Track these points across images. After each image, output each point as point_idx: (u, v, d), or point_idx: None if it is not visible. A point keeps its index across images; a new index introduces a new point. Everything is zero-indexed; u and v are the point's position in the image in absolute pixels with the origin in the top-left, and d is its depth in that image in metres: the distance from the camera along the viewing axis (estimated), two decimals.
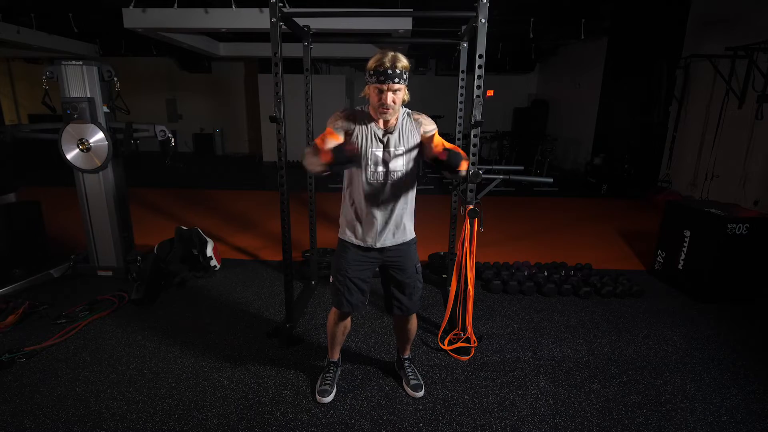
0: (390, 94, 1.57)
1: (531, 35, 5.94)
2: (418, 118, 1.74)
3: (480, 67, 2.09)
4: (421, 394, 2.03)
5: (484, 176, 2.18)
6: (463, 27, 2.81)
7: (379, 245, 1.79)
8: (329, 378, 2.05)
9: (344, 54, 8.22)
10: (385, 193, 1.72)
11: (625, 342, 2.54)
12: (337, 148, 1.47)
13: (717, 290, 3.03)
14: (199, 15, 5.21)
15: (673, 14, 6.12)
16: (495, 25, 2.62)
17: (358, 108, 1.76)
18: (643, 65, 6.51)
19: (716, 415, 1.94)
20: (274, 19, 2.12)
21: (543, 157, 7.69)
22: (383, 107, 1.59)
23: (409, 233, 1.86)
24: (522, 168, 3.41)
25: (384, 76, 1.53)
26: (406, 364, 2.13)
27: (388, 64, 1.52)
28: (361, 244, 1.80)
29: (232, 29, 5.56)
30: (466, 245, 2.17)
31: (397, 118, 1.72)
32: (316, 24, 3.11)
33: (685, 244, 3.20)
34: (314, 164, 1.52)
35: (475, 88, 2.12)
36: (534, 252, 4.03)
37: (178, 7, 5.04)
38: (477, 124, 2.12)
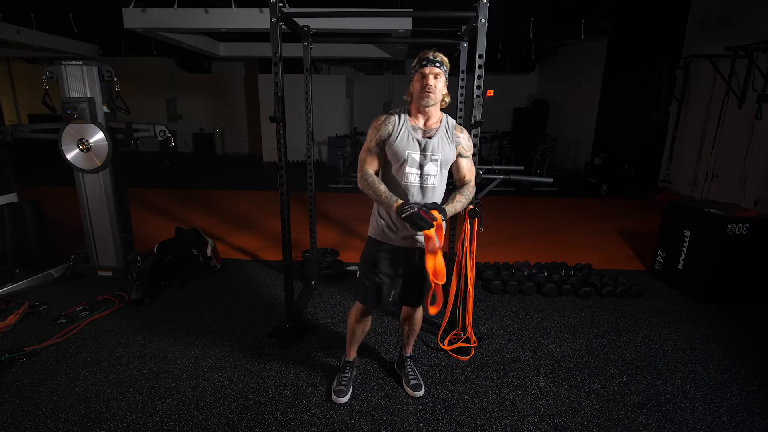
0: (432, 78, 1.67)
1: (531, 35, 5.94)
2: (459, 135, 1.78)
3: (480, 67, 2.10)
4: (421, 393, 2.03)
5: (484, 176, 2.18)
6: (463, 27, 2.81)
7: (405, 245, 1.81)
8: (345, 378, 2.05)
9: (344, 54, 8.22)
10: (416, 196, 1.74)
11: (625, 342, 2.54)
12: (413, 217, 1.60)
13: (717, 290, 3.03)
14: (199, 15, 5.21)
15: (673, 14, 6.13)
16: (495, 25, 2.62)
17: (396, 110, 1.80)
18: (643, 65, 6.51)
19: (716, 415, 1.94)
20: (274, 19, 2.12)
21: (543, 157, 7.69)
22: (425, 89, 1.67)
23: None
24: (522, 168, 3.40)
25: (426, 61, 1.68)
26: (407, 363, 2.13)
27: (430, 54, 1.69)
28: (389, 243, 1.82)
29: (232, 29, 5.56)
30: (466, 245, 2.17)
31: (439, 123, 1.76)
32: (316, 24, 3.11)
33: (685, 244, 3.20)
34: (378, 203, 1.75)
35: (475, 88, 2.12)
36: (534, 252, 4.03)
37: (178, 7, 5.04)
38: (477, 124, 2.12)
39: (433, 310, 1.81)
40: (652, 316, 2.86)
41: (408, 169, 1.72)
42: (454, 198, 1.78)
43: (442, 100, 1.75)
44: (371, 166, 1.80)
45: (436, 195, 1.78)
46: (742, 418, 1.92)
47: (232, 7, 5.08)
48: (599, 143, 7.95)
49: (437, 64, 1.67)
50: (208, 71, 10.95)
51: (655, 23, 6.28)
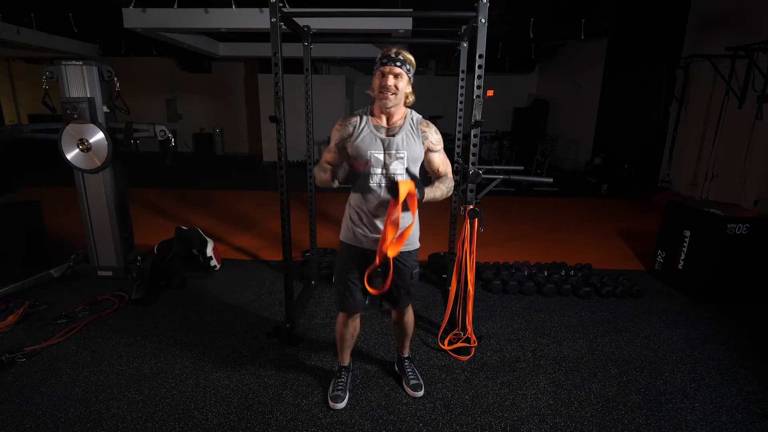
0: (391, 77, 1.62)
1: (531, 35, 5.94)
2: (425, 130, 1.74)
3: (480, 67, 2.10)
4: (421, 393, 2.03)
5: (484, 176, 2.18)
6: (463, 27, 2.81)
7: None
8: (341, 383, 2.02)
9: (344, 54, 8.22)
10: (384, 197, 1.70)
11: (625, 342, 2.54)
12: (343, 170, 1.56)
13: (717, 290, 3.03)
14: (199, 15, 5.22)
15: (673, 14, 6.13)
16: (495, 25, 2.62)
17: (360, 111, 1.77)
18: (643, 65, 6.51)
19: (716, 415, 1.94)
20: (274, 19, 2.12)
21: (543, 157, 7.69)
22: (384, 89, 1.63)
23: (411, 242, 1.82)
24: (522, 168, 3.41)
25: (387, 59, 1.62)
26: (406, 364, 2.13)
27: (392, 52, 1.63)
28: (361, 246, 1.79)
29: (232, 29, 5.56)
30: (466, 245, 2.17)
31: (403, 119, 1.73)
32: (316, 24, 3.11)
33: (685, 244, 3.20)
34: (325, 182, 1.68)
35: (475, 88, 2.12)
36: (534, 252, 4.03)
37: (178, 7, 5.04)
38: (477, 124, 2.12)
39: (373, 290, 1.73)
40: (652, 316, 2.86)
41: (373, 170, 1.69)
42: (434, 185, 1.72)
43: (406, 98, 1.70)
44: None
45: None
46: (742, 418, 1.92)
47: (232, 7, 5.08)
48: (599, 143, 7.95)
49: (398, 63, 1.61)
50: (208, 71, 10.95)
51: (655, 23, 6.28)
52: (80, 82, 2.93)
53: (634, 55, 6.80)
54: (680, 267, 3.24)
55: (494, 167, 3.13)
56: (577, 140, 9.02)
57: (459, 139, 3.01)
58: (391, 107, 1.66)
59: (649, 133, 6.63)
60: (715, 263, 2.98)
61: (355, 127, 1.72)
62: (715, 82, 5.54)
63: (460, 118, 2.96)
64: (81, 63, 2.92)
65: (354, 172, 1.60)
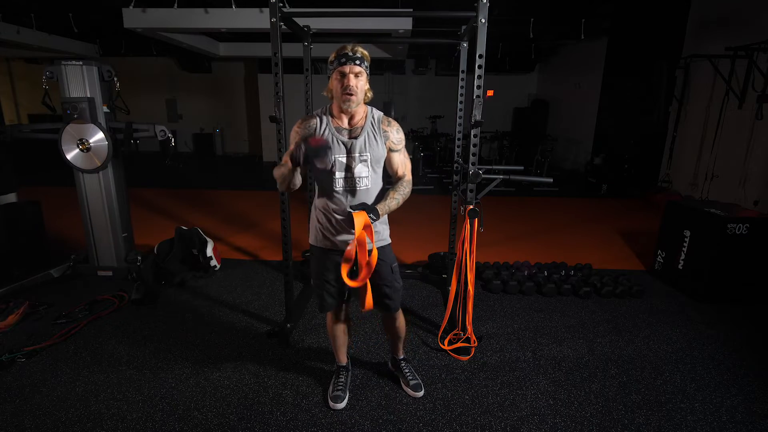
0: (352, 77, 1.58)
1: (531, 35, 5.94)
2: (387, 129, 1.70)
3: (480, 67, 2.10)
4: (421, 393, 2.03)
5: (484, 176, 2.18)
6: (463, 27, 2.81)
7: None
8: (341, 383, 2.02)
9: None
10: (352, 200, 1.68)
11: (625, 342, 2.54)
12: (306, 146, 1.49)
13: (717, 290, 3.03)
14: (199, 15, 5.22)
15: (673, 14, 6.13)
16: (495, 25, 2.62)
17: (318, 111, 1.72)
18: (643, 65, 6.51)
19: (716, 415, 1.94)
20: (274, 19, 2.12)
21: (543, 157, 7.69)
22: (347, 91, 1.58)
23: (382, 239, 1.79)
24: (522, 168, 3.39)
25: (345, 58, 1.57)
26: (403, 365, 2.13)
27: (348, 50, 1.58)
28: (335, 249, 1.77)
29: (232, 29, 5.57)
30: (466, 245, 2.17)
31: (364, 119, 1.69)
32: (316, 24, 3.11)
33: (685, 244, 3.20)
34: (285, 177, 1.59)
35: (475, 88, 2.12)
36: (534, 252, 4.03)
37: (178, 7, 5.05)
38: (477, 124, 2.12)
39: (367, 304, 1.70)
40: (652, 316, 2.86)
41: (337, 174, 1.65)
42: (387, 196, 1.67)
43: (365, 96, 1.66)
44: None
45: (370, 196, 1.70)
46: (742, 418, 1.92)
47: (232, 7, 5.09)
48: (599, 143, 7.95)
49: (357, 62, 1.57)
50: (208, 71, 10.94)
51: (655, 23, 6.27)
52: (80, 82, 2.93)
53: (634, 55, 6.79)
54: (680, 267, 3.24)
55: (494, 167, 3.11)
56: (577, 140, 9.01)
57: (459, 139, 3.01)
58: (354, 108, 1.63)
59: (649, 133, 6.63)
60: (715, 263, 2.98)
61: (315, 130, 1.67)
62: (715, 82, 5.54)
63: (460, 118, 2.96)
64: (81, 63, 2.92)
65: (316, 168, 1.53)
